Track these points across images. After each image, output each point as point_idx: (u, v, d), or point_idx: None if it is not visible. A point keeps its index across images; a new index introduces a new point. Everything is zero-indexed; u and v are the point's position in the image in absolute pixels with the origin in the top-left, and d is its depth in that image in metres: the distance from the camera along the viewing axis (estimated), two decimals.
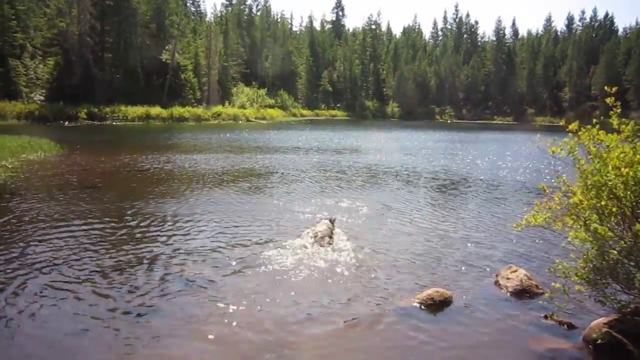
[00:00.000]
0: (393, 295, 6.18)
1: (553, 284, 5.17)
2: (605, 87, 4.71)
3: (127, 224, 9.24)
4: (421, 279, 6.76)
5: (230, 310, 5.63)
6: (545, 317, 5.55)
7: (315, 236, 8.23)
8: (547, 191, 4.94)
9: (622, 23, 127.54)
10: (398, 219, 10.24)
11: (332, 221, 8.99)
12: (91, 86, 46.71)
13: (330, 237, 8.35)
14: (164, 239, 8.35)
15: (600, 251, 4.42)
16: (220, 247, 7.91)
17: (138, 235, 8.51)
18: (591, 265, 4.58)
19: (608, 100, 4.59)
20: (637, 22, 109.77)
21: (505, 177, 17.06)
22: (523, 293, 6.23)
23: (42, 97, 45.09)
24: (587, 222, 4.42)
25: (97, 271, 6.71)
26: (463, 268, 7.22)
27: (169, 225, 9.21)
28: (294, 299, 6.04)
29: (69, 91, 44.26)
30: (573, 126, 4.56)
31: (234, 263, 7.17)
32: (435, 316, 5.69)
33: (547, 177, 16.71)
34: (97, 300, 5.84)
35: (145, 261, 7.18)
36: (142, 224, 9.23)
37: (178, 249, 7.77)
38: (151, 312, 5.57)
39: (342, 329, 5.33)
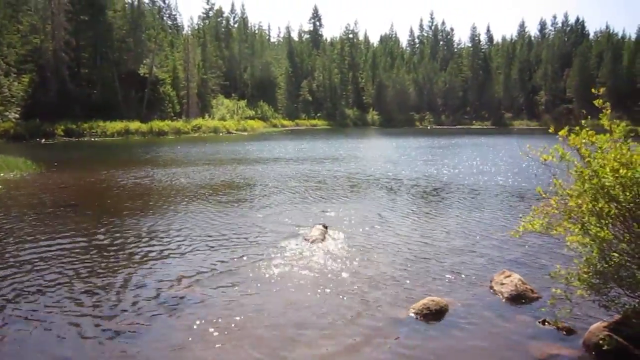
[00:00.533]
0: (388, 306, 6.06)
1: (554, 289, 5.11)
2: (593, 90, 4.66)
3: (103, 242, 8.96)
4: (415, 288, 6.65)
5: (215, 332, 5.44)
6: (543, 322, 5.48)
7: (309, 239, 8.79)
8: (544, 195, 4.86)
9: (593, 27, 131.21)
10: (387, 228, 10.13)
11: (325, 227, 9.51)
12: (68, 102, 45.92)
13: (323, 240, 8.83)
14: (143, 257, 8.10)
15: (602, 254, 4.37)
16: (203, 262, 7.70)
17: (115, 255, 8.23)
18: (594, 269, 4.51)
19: (597, 102, 4.56)
20: (607, 26, 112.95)
21: (489, 182, 17.14)
22: (518, 298, 6.16)
23: (17, 115, 44.08)
24: (585, 226, 4.36)
25: (70, 295, 6.42)
26: (456, 275, 7.14)
27: (148, 243, 8.95)
28: (285, 313, 5.88)
29: (45, 108, 43.34)
30: (563, 132, 4.52)
31: (218, 278, 6.98)
32: (432, 326, 5.57)
33: (533, 182, 16.87)
34: (69, 326, 5.54)
35: (125, 282, 6.93)
36: (118, 243, 8.96)
37: (159, 268, 7.54)
38: (130, 337, 5.32)
39: (337, 343, 5.18)
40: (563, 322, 5.35)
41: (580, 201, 4.33)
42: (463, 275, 7.13)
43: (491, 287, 6.54)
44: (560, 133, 4.50)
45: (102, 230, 9.82)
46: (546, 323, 5.44)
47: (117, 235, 9.46)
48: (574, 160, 4.48)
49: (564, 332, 5.26)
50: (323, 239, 8.94)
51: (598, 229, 4.23)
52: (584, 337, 4.99)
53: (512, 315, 5.81)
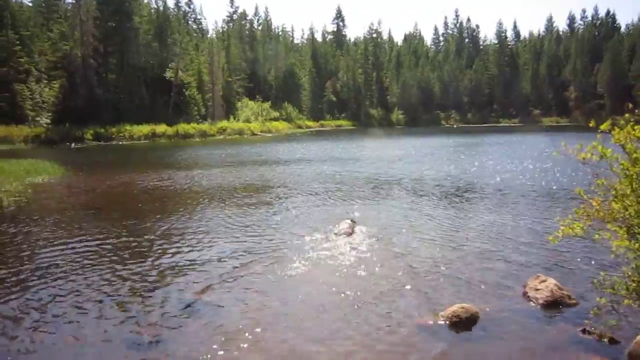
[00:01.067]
0: (416, 313, 5.80)
1: (598, 298, 4.76)
2: None
3: (128, 246, 8.94)
4: (444, 293, 6.37)
5: (240, 337, 5.27)
6: (583, 330, 5.12)
7: (338, 233, 9.27)
8: (584, 197, 4.50)
9: (624, 20, 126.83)
10: (412, 230, 9.82)
11: (352, 221, 10.01)
12: (96, 107, 46.92)
13: (351, 234, 9.29)
14: (173, 260, 8.02)
15: None
16: (234, 264, 7.58)
17: (140, 258, 8.18)
18: None
19: None
20: (639, 18, 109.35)
21: (519, 182, 16.58)
22: (555, 305, 5.81)
23: (48, 120, 45.30)
24: (633, 229, 4.01)
25: (99, 298, 6.39)
26: (487, 280, 6.82)
27: (178, 246, 8.88)
28: (312, 315, 5.70)
29: (75, 113, 44.50)
30: (605, 126, 4.16)
31: (249, 280, 6.84)
32: (462, 334, 5.29)
33: (565, 181, 16.27)
34: (99, 329, 5.50)
35: (150, 286, 6.86)
36: (144, 246, 8.92)
37: (188, 270, 7.45)
38: (155, 343, 5.21)
39: (363, 349, 4.97)
40: (606, 332, 4.99)
41: (627, 202, 3.98)
42: (494, 280, 6.80)
43: (525, 293, 6.21)
44: (602, 127, 4.14)
45: (126, 233, 9.82)
46: (587, 332, 5.09)
47: (143, 238, 9.43)
48: (618, 157, 4.12)
49: (607, 342, 4.89)
50: (350, 235, 9.16)
51: None
52: (630, 348, 4.62)
53: (549, 323, 5.48)
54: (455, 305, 5.68)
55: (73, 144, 39.19)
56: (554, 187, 15.08)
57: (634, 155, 3.96)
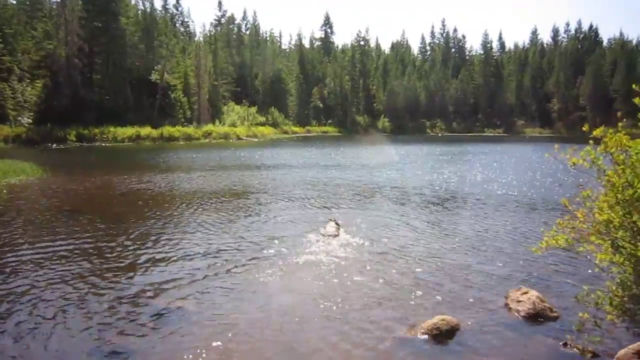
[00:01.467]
0: (396, 324, 5.70)
1: (580, 314, 4.71)
2: (634, 86, 4.19)
3: (102, 249, 8.71)
4: (424, 305, 6.28)
5: (228, 344, 5.12)
6: (565, 344, 5.07)
7: (324, 235, 9.60)
8: (569, 208, 4.43)
9: (607, 34, 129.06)
10: (394, 240, 9.72)
11: (337, 223, 10.29)
12: (80, 108, 46.18)
13: (335, 236, 9.56)
14: (145, 265, 7.83)
15: (638, 275, 3.95)
16: (209, 270, 7.41)
17: (115, 263, 7.97)
18: (628, 293, 4.09)
19: (637, 100, 4.10)
20: (620, 33, 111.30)
21: (502, 192, 16.66)
22: (536, 317, 5.76)
23: (29, 120, 44.46)
24: (617, 242, 3.95)
25: (64, 304, 6.17)
26: (468, 291, 6.75)
27: (152, 251, 8.68)
28: (288, 326, 5.56)
29: (58, 113, 43.68)
30: (598, 132, 4.09)
31: (224, 288, 6.68)
32: (443, 347, 5.20)
33: (549, 192, 16.38)
34: (62, 337, 5.29)
35: (122, 292, 6.66)
36: (118, 250, 8.70)
37: (161, 276, 7.25)
38: (128, 352, 5.03)
39: None
40: (587, 346, 4.94)
41: (612, 214, 3.91)
42: (476, 291, 6.74)
43: (506, 305, 6.16)
44: (595, 133, 4.06)
45: (99, 237, 9.58)
46: (568, 346, 5.04)
47: (116, 242, 9.20)
48: (604, 168, 4.07)
49: (589, 357, 4.84)
50: (332, 240, 9.28)
51: (632, 246, 3.82)
52: None
53: (530, 336, 5.42)
54: (436, 317, 5.60)
55: (54, 145, 38.48)
56: (537, 198, 15.17)
57: (620, 166, 3.91)
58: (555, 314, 5.83)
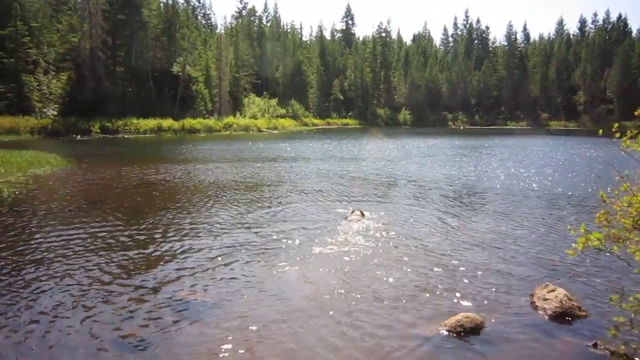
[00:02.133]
0: (418, 321, 5.58)
1: (616, 317, 4.51)
2: None
3: (124, 240, 8.78)
4: (447, 301, 6.14)
5: (249, 338, 5.08)
6: (594, 345, 4.89)
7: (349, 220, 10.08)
8: (607, 201, 4.19)
9: (636, 24, 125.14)
10: (417, 234, 9.57)
11: (362, 212, 10.71)
12: (103, 100, 46.89)
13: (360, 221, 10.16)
14: (168, 257, 7.85)
15: None
16: (230, 261, 7.39)
17: (136, 254, 8.00)
18: None
19: None
20: None
21: (530, 186, 16.30)
22: (564, 316, 5.58)
23: (55, 112, 45.27)
24: None
25: (87, 295, 6.21)
26: (493, 288, 6.58)
27: (174, 241, 8.70)
28: (309, 320, 5.50)
29: (82, 105, 44.44)
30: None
31: (245, 279, 6.65)
32: (466, 345, 5.07)
33: (577, 186, 15.97)
34: (85, 328, 5.31)
35: (145, 283, 6.68)
36: (139, 240, 8.75)
37: (182, 267, 7.26)
38: (151, 343, 5.03)
39: (363, 358, 4.76)
40: (618, 347, 4.75)
41: None
42: (500, 288, 6.57)
43: (532, 303, 5.98)
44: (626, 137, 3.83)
45: (121, 227, 9.66)
46: (597, 346, 4.85)
47: (137, 232, 9.26)
48: None
49: (620, 358, 4.66)
50: (357, 232, 9.26)
51: None
52: None
53: (557, 336, 5.25)
54: (459, 314, 5.46)
55: (79, 136, 39.15)
56: (563, 193, 14.79)
57: None
58: (583, 313, 5.64)
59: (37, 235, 9.04)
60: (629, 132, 4.04)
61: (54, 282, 6.66)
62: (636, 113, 3.86)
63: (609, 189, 4.63)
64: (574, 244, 4.38)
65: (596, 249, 4.06)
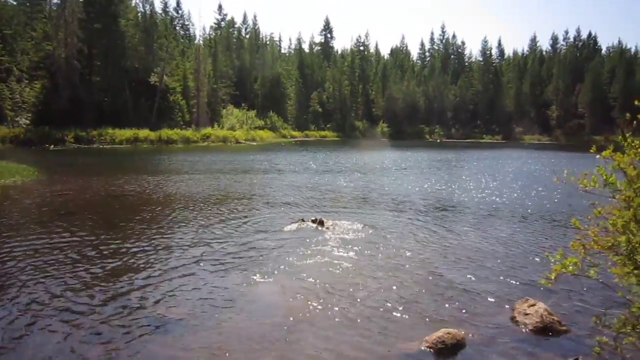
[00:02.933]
0: (397, 338, 5.51)
1: (598, 337, 4.50)
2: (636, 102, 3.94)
3: (94, 252, 8.54)
4: (428, 317, 6.09)
5: (228, 350, 4.93)
6: None
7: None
8: (582, 228, 4.21)
9: (605, 42, 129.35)
10: (396, 248, 9.51)
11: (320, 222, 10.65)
12: (78, 109, 45.99)
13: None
14: (139, 269, 7.63)
15: None
16: (206, 273, 7.21)
17: (107, 267, 7.76)
18: None
19: (638, 101, 3.88)
20: (619, 41, 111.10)
21: (508, 200, 16.50)
22: (544, 331, 5.58)
23: (27, 121, 44.25)
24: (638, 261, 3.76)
25: (65, 310, 5.97)
26: (474, 303, 6.56)
27: (146, 253, 8.48)
28: (286, 336, 5.36)
29: (56, 114, 43.51)
30: (606, 153, 3.91)
31: (222, 292, 6.48)
32: None
33: (551, 199, 16.22)
34: (66, 347, 5.09)
35: (116, 298, 6.46)
36: (110, 253, 8.51)
37: (156, 281, 7.06)
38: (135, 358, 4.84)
39: None
40: None
41: (631, 236, 3.71)
42: (481, 303, 6.56)
43: (513, 317, 5.98)
44: (604, 153, 3.89)
45: (92, 239, 9.41)
46: None
47: (109, 244, 9.03)
48: (617, 183, 3.89)
49: None
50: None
51: None
52: None
53: (538, 351, 5.23)
54: (441, 330, 5.41)
55: (52, 146, 38.29)
56: (540, 206, 15.00)
57: (637, 184, 3.72)
58: (564, 328, 5.65)
59: (5, 247, 8.70)
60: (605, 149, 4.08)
61: (20, 297, 6.38)
62: (636, 102, 3.85)
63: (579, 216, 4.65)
64: (547, 273, 4.38)
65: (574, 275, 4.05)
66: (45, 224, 10.83)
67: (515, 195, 17.26)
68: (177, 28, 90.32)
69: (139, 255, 8.58)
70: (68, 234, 9.89)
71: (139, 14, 60.25)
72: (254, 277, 7.38)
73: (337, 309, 6.25)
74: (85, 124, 43.91)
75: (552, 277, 4.20)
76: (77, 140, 41.31)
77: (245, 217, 12.22)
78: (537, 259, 8.68)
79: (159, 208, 13.34)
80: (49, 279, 7.14)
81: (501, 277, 7.69)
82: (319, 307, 6.32)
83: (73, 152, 35.10)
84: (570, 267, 4.06)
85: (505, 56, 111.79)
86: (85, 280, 7.18)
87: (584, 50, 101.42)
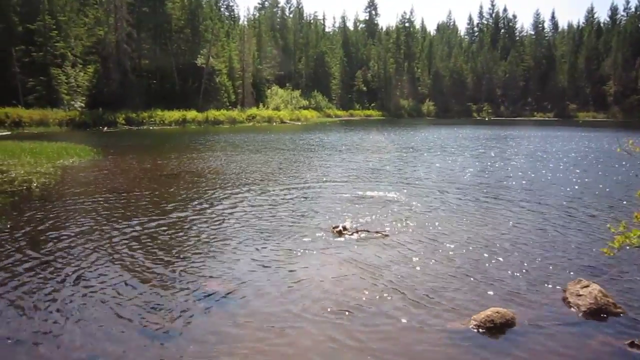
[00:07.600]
0: (446, 315, 5.46)
1: None
2: None
3: (150, 230, 8.83)
4: (477, 296, 6.00)
5: (264, 334, 5.06)
6: (631, 344, 4.71)
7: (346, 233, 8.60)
8: None
9: None
10: (446, 227, 9.35)
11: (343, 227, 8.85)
12: (129, 92, 47.62)
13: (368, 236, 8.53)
14: (194, 247, 7.88)
15: None
16: (259, 252, 7.38)
17: (162, 243, 8.05)
18: None
19: None
20: None
21: (558, 179, 15.92)
22: (598, 313, 5.38)
23: (82, 104, 46.17)
24: None
25: (121, 283, 6.27)
26: (524, 283, 6.41)
27: (200, 231, 8.74)
28: (337, 313, 5.43)
29: (108, 97, 45.32)
30: None
31: (277, 272, 6.62)
32: (496, 341, 4.94)
33: (607, 179, 15.53)
34: (109, 319, 5.34)
35: (172, 274, 6.71)
36: (165, 230, 8.80)
37: (209, 259, 7.28)
38: (177, 333, 5.04)
39: (388, 352, 4.69)
40: None
41: None
42: (532, 283, 6.39)
43: (565, 299, 5.80)
44: None
45: (147, 217, 9.73)
46: (635, 345, 4.67)
47: (163, 222, 9.32)
48: None
49: None
50: (367, 235, 8.49)
51: None
52: None
53: (592, 333, 5.07)
54: (489, 309, 5.32)
55: (105, 128, 39.88)
56: (594, 186, 14.39)
57: None
58: (619, 310, 5.44)
59: (65, 224, 9.18)
60: None
61: (80, 271, 6.73)
62: None
63: None
64: (610, 243, 4.19)
65: (636, 247, 3.87)
66: (104, 202, 11.31)
67: (572, 174, 16.60)
68: (222, 9, 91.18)
69: (190, 232, 8.86)
70: (125, 211, 10.33)
71: None
72: (309, 254, 7.48)
73: (389, 288, 6.24)
74: (135, 107, 45.44)
75: (616, 247, 4.02)
76: (128, 122, 42.82)
77: (305, 195, 12.34)
78: (593, 241, 8.35)
79: (211, 186, 13.66)
80: (107, 254, 7.49)
81: (555, 257, 7.46)
82: (370, 284, 6.34)
83: (125, 134, 36.38)
84: (635, 239, 3.88)
85: (559, 29, 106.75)
86: (143, 254, 7.49)
87: None
